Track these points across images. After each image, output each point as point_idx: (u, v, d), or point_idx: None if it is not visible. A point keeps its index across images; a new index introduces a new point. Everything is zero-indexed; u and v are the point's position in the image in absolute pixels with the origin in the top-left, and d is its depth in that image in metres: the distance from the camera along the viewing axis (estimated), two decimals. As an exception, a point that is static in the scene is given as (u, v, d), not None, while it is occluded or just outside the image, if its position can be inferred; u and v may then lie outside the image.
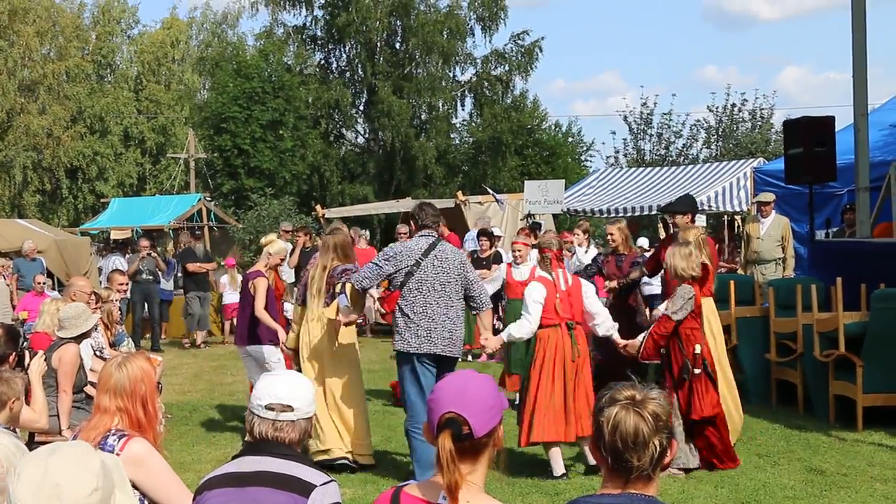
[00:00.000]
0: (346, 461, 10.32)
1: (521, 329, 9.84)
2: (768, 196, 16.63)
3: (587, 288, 10.20)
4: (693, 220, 11.83)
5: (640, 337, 10.10)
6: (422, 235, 9.77)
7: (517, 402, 10.91)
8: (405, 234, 16.28)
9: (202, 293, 21.52)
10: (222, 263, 23.50)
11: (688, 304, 9.74)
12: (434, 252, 9.56)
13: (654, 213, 26.61)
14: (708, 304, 10.75)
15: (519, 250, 13.40)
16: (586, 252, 15.37)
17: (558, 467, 9.74)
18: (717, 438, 9.84)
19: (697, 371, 9.71)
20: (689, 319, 9.80)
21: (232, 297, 21.51)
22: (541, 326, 9.84)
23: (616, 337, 10.32)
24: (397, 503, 3.48)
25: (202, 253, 22.35)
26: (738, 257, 17.45)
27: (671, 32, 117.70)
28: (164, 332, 22.28)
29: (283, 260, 12.70)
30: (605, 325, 10.28)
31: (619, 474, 3.22)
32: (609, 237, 12.83)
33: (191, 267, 21.42)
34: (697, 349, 9.72)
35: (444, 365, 9.47)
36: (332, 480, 4.22)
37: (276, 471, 4.15)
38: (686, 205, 12.11)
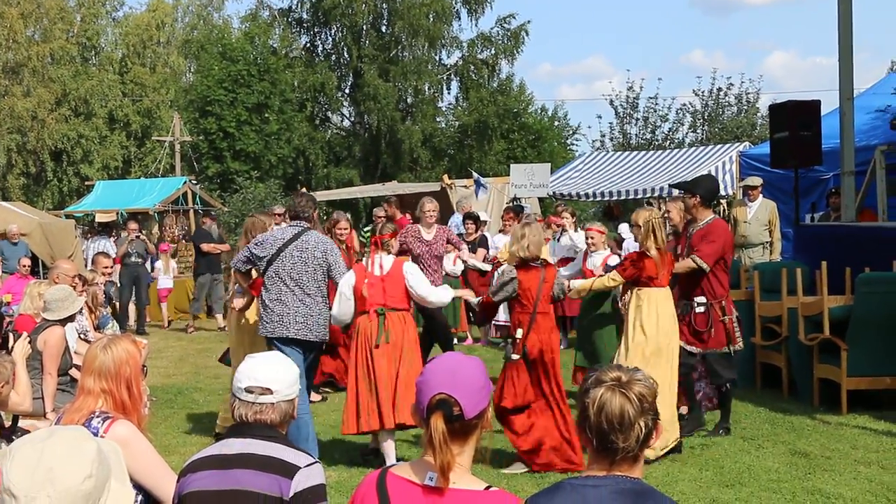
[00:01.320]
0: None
1: (336, 307, 9.94)
2: (756, 180, 16.64)
3: (409, 269, 9.99)
4: (704, 204, 10.80)
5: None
6: (290, 225, 10.12)
7: None
8: (382, 217, 16.23)
9: (216, 275, 21.31)
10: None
11: (508, 286, 9.66)
12: (296, 242, 9.80)
13: (640, 197, 26.64)
14: (659, 293, 10.15)
15: (592, 237, 12.53)
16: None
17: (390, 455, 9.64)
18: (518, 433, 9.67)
19: (515, 357, 9.53)
20: (515, 303, 9.70)
21: (166, 282, 21.51)
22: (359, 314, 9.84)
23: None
24: (384, 484, 3.48)
25: (217, 234, 22.17)
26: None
27: (658, 16, 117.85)
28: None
29: None
30: (437, 302, 10.24)
31: (604, 456, 3.22)
32: (666, 216, 11.98)
33: (206, 247, 21.06)
34: (518, 334, 9.61)
35: (307, 349, 9.80)
36: (316, 462, 4.23)
37: (260, 453, 4.15)
38: (700, 186, 10.99)
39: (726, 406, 10.83)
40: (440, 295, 10.18)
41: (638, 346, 9.90)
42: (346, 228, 13.99)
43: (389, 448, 9.61)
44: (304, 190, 25.92)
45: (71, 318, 9.36)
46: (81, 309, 11.41)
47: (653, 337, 9.90)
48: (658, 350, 9.89)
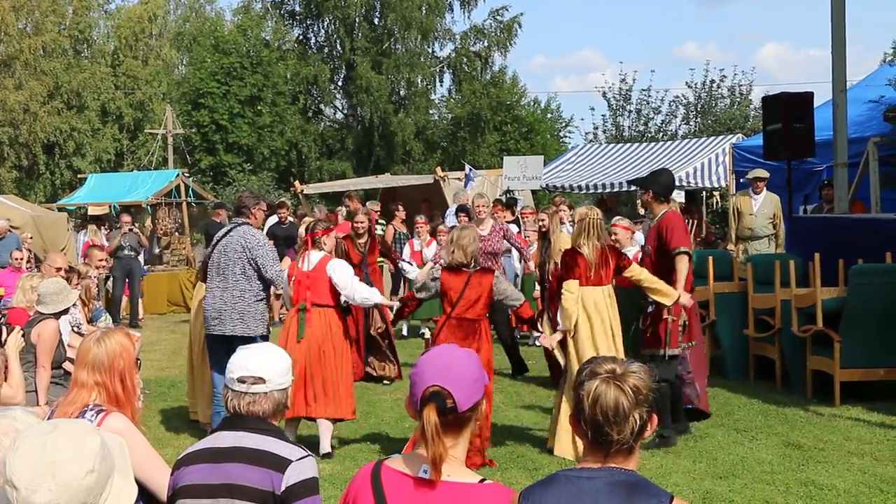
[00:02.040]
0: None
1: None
2: (763, 172, 16.69)
3: (333, 266, 10.07)
4: (657, 199, 10.59)
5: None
6: (232, 222, 10.46)
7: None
8: (374, 212, 16.32)
9: None
10: None
11: (431, 284, 9.77)
12: (225, 238, 10.18)
13: (632, 189, 26.63)
14: (594, 292, 10.00)
15: (616, 233, 11.85)
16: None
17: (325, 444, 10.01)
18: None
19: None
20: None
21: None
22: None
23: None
24: (378, 477, 3.47)
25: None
26: (728, 233, 17.43)
27: (652, 8, 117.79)
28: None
29: None
30: (362, 301, 10.15)
31: (599, 448, 3.22)
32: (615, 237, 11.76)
33: None
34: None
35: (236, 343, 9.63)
36: (308, 455, 4.23)
37: (251, 446, 4.15)
38: (651, 182, 10.81)
39: (660, 409, 9.69)
40: (365, 294, 10.08)
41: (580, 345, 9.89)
42: (362, 222, 13.94)
43: (322, 437, 10.01)
44: (296, 183, 25.92)
45: (65, 312, 9.35)
46: (75, 302, 11.42)
47: (587, 337, 9.88)
48: (595, 350, 9.70)
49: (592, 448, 3.24)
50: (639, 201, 11.98)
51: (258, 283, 10.14)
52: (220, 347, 9.75)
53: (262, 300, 10.24)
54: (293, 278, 10.03)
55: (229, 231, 10.24)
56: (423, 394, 3.41)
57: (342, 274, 9.99)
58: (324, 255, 10.11)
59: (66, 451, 3.06)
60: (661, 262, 10.18)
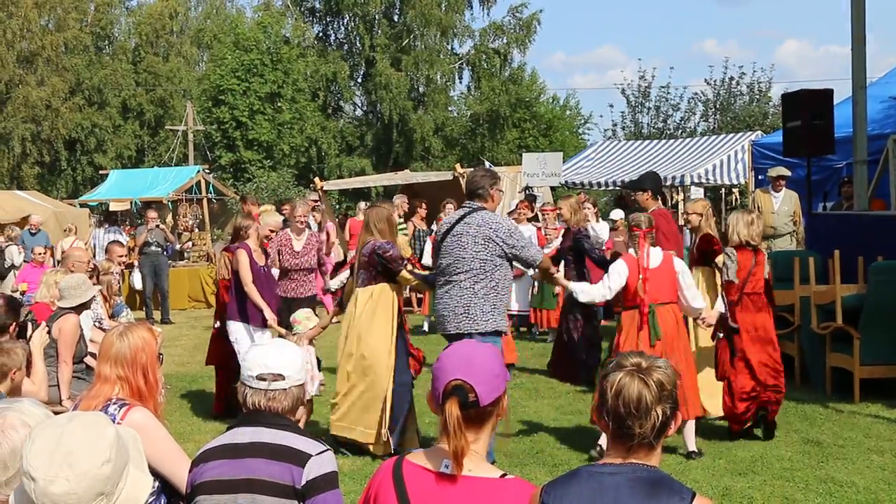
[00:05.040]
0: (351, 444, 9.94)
1: (591, 293, 9.72)
2: (784, 170, 16.70)
3: (679, 265, 9.77)
4: (655, 198, 11.90)
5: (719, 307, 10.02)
6: (465, 206, 9.30)
7: None
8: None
9: None
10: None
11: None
12: (460, 225, 9.07)
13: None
14: None
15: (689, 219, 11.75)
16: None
17: (690, 442, 9.63)
18: None
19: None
20: None
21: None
22: (624, 308, 9.58)
23: (704, 314, 9.92)
24: (400, 471, 3.49)
25: None
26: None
27: (672, 5, 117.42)
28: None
29: (272, 232, 11.78)
30: (696, 302, 9.82)
31: (621, 442, 3.23)
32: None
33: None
34: None
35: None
36: (327, 449, 4.24)
37: (271, 441, 4.17)
38: (648, 182, 12.07)
39: None
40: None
41: None
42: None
43: (688, 436, 9.66)
44: (316, 179, 25.93)
45: (86, 306, 9.40)
46: (95, 297, 11.48)
47: None
48: None
49: (614, 442, 3.25)
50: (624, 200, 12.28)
51: (501, 272, 9.04)
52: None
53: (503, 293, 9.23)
54: (641, 277, 9.43)
55: (463, 217, 9.02)
56: (445, 387, 3.43)
57: (687, 272, 9.88)
58: (666, 253, 9.73)
59: (83, 441, 3.10)
60: None
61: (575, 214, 13.03)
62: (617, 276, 9.47)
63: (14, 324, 7.98)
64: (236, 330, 11.20)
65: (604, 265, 11.53)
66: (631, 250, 9.73)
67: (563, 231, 13.97)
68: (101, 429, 3.17)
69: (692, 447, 9.51)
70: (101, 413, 3.30)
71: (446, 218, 9.80)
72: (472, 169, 10.15)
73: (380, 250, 9.70)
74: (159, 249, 21.24)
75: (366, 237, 9.98)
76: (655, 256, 9.58)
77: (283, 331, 10.64)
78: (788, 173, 16.67)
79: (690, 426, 9.51)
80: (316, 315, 11.13)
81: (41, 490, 3.03)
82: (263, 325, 11.19)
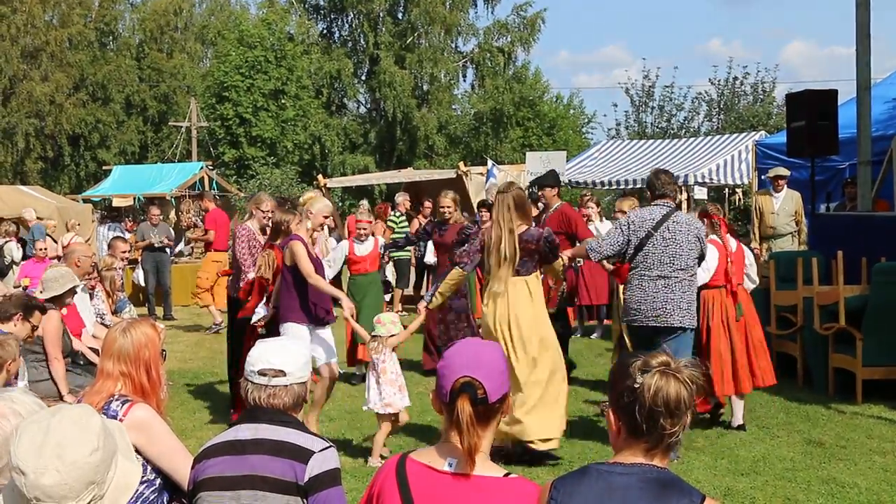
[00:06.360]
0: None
1: (700, 277, 10.02)
2: (783, 170, 16.69)
3: (748, 253, 10.77)
4: (559, 194, 12.97)
5: None
6: (660, 206, 9.51)
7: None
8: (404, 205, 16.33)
9: None
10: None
11: None
12: (669, 224, 9.35)
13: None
14: None
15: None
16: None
17: (738, 416, 10.45)
18: None
19: None
20: None
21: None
22: (706, 287, 10.15)
23: None
24: (403, 469, 3.49)
25: None
26: (751, 232, 17.38)
27: (677, 5, 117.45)
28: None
29: (326, 218, 10.80)
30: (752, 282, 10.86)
31: (643, 441, 3.20)
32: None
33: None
34: None
35: (660, 336, 9.29)
36: (330, 446, 4.26)
37: (273, 438, 4.19)
38: (551, 178, 13.12)
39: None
40: None
41: None
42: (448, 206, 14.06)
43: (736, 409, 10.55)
44: (319, 176, 25.91)
45: (65, 297, 9.38)
46: (97, 292, 11.49)
47: None
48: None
49: (632, 441, 3.23)
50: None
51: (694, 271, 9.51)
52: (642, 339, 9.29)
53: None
54: (729, 260, 10.31)
55: (668, 216, 9.33)
56: (453, 385, 3.43)
57: (751, 255, 10.73)
58: (737, 240, 10.70)
59: (70, 432, 3.10)
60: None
61: (456, 210, 14.05)
62: (713, 260, 10.15)
63: (18, 314, 8.02)
64: (295, 332, 9.95)
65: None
66: (714, 236, 10.26)
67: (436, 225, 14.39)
68: (88, 419, 3.18)
69: (741, 420, 10.42)
70: (86, 404, 3.30)
71: (641, 214, 9.55)
72: (653, 170, 9.95)
73: (549, 237, 9.51)
74: (162, 246, 21.24)
75: (514, 223, 9.39)
76: (732, 242, 10.52)
77: (359, 328, 10.12)
78: (787, 173, 16.64)
79: (740, 402, 10.46)
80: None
81: (32, 483, 3.03)
82: (324, 322, 10.22)
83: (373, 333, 9.36)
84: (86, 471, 3.08)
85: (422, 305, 9.77)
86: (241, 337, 10.72)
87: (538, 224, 10.82)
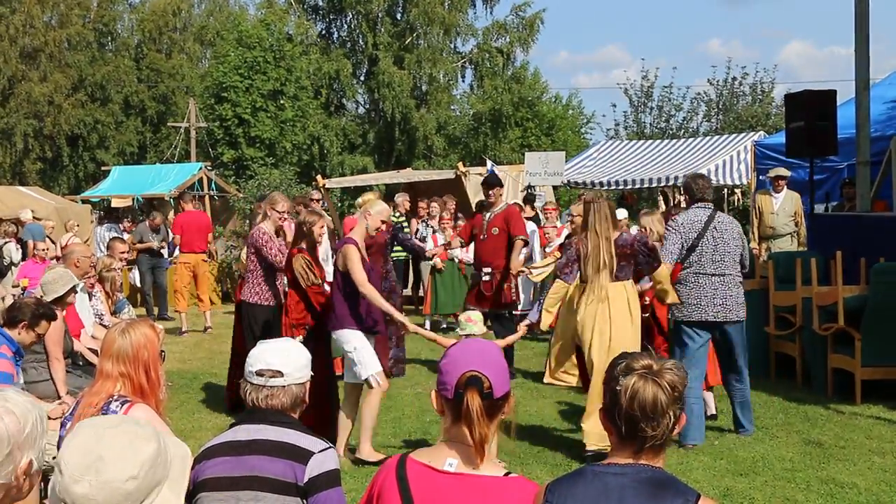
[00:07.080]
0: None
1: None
2: (784, 171, 16.71)
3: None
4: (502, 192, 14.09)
5: None
6: (702, 207, 10.16)
7: None
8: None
9: None
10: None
11: None
12: (718, 224, 10.07)
13: (653, 185, 26.63)
14: None
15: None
16: None
17: (711, 406, 10.85)
18: None
19: None
20: None
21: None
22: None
23: None
24: (403, 469, 3.49)
25: None
26: (750, 232, 17.39)
27: (676, 5, 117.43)
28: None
29: (384, 223, 10.00)
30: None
31: (630, 444, 3.21)
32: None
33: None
34: None
35: (715, 331, 10.07)
36: (330, 447, 4.26)
37: (273, 439, 4.19)
38: (497, 178, 14.32)
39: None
40: None
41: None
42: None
43: None
44: (318, 177, 25.89)
45: (65, 299, 9.37)
46: (97, 293, 11.49)
47: None
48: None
49: (623, 444, 3.24)
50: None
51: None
52: (698, 333, 9.96)
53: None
54: None
55: (713, 217, 10.06)
56: (460, 379, 3.43)
57: None
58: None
59: (118, 450, 3.04)
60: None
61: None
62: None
63: (24, 322, 8.00)
64: (354, 337, 9.50)
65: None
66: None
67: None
68: (141, 444, 3.10)
69: (713, 410, 10.83)
70: (154, 428, 3.24)
71: (688, 217, 10.11)
72: (690, 175, 10.60)
73: (642, 240, 9.72)
74: (158, 247, 21.23)
75: (611, 232, 9.50)
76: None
77: (414, 327, 9.73)
78: (787, 173, 16.66)
79: (709, 394, 10.83)
80: None
81: (64, 486, 3.01)
82: (372, 329, 9.71)
83: (465, 332, 8.80)
84: (115, 495, 3.03)
85: (523, 325, 9.64)
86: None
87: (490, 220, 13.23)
